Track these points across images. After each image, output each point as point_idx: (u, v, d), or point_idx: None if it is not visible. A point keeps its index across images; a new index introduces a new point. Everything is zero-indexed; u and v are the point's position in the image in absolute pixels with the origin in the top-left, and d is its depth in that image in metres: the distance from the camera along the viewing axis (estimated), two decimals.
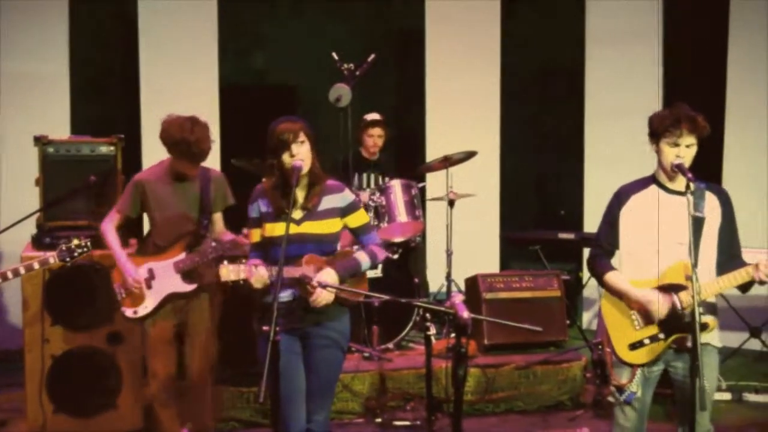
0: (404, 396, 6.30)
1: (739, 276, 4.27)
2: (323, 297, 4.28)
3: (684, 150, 4.31)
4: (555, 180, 9.52)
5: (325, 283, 4.23)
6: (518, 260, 8.62)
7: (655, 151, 4.43)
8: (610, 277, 4.45)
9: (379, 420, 6.18)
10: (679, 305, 4.29)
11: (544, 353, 6.72)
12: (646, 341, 4.37)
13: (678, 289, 4.30)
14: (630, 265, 4.45)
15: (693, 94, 8.07)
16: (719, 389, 6.64)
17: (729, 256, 4.37)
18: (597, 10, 8.74)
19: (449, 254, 7.19)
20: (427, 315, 4.04)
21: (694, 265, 4.12)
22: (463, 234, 7.57)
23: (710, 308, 4.36)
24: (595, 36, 8.78)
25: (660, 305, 4.30)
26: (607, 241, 4.50)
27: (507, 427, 6.23)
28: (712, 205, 4.37)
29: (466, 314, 3.69)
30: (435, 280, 7.82)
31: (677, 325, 4.29)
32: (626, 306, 4.43)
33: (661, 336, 4.34)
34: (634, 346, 4.38)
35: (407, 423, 6.11)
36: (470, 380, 6.28)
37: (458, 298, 3.80)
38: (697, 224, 4.26)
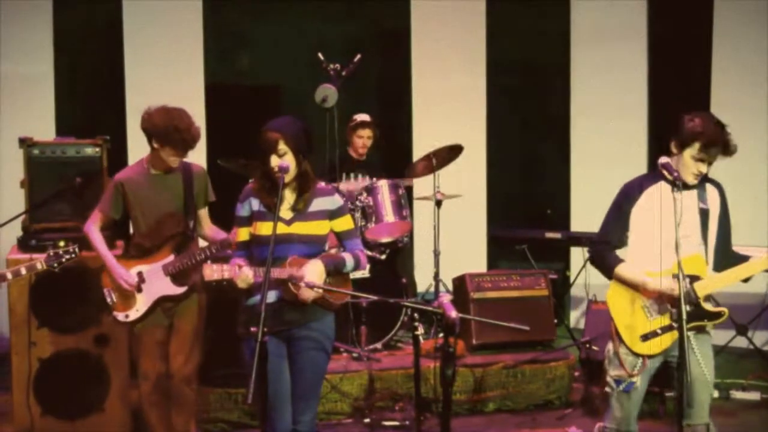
0: (393, 396, 6.29)
1: (759, 265, 4.40)
2: (309, 293, 4.28)
3: (705, 166, 4.41)
4: (541, 179, 9.54)
5: (313, 284, 4.23)
6: (505, 260, 8.63)
7: (672, 150, 4.45)
8: (622, 269, 4.50)
9: (367, 420, 6.17)
10: (693, 295, 4.39)
11: (532, 352, 6.72)
12: (659, 331, 4.45)
13: (693, 280, 4.40)
14: (641, 258, 4.50)
15: (678, 92, 8.15)
16: None
17: (725, 247, 4.49)
18: (582, 8, 8.76)
19: (437, 254, 7.18)
20: (416, 315, 4.05)
21: (680, 263, 4.24)
22: (451, 234, 7.57)
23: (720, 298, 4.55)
24: (580, 34, 8.80)
25: (675, 291, 4.33)
26: (615, 236, 4.55)
27: (496, 427, 6.23)
28: (712, 197, 4.50)
29: (454, 314, 3.69)
30: (423, 280, 7.82)
31: (691, 315, 4.35)
32: (637, 297, 4.49)
33: (675, 325, 4.37)
34: (647, 336, 4.46)
35: (396, 423, 6.10)
36: (459, 380, 6.28)
37: (446, 298, 3.80)
38: (704, 216, 4.42)
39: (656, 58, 8.42)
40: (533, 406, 6.50)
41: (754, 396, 6.64)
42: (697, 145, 4.35)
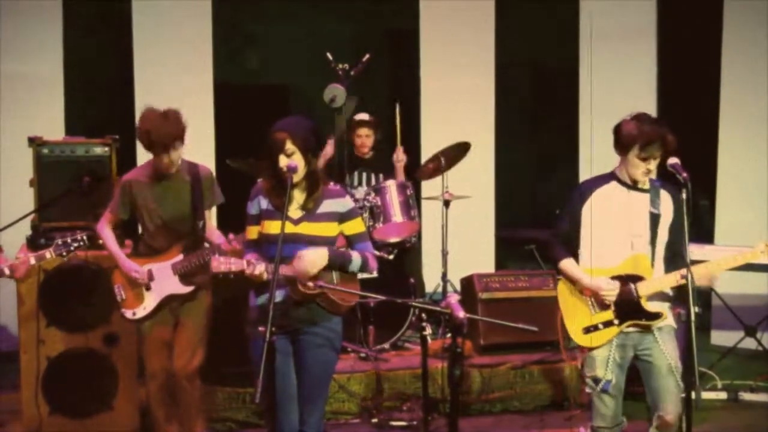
0: (400, 396, 6.29)
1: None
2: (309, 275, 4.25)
3: (652, 163, 4.57)
4: (550, 179, 9.52)
5: (322, 284, 4.22)
6: (514, 260, 8.62)
7: (619, 155, 4.67)
8: (565, 264, 4.74)
9: (375, 420, 6.17)
10: (635, 294, 4.58)
11: (540, 353, 6.70)
12: (600, 326, 4.64)
13: (636, 280, 4.60)
14: (588, 255, 4.69)
15: (688, 93, 8.13)
16: (714, 389, 6.68)
17: (673, 253, 4.62)
18: (591, 9, 8.73)
19: (445, 254, 7.19)
20: (423, 315, 4.04)
21: (688, 265, 4.41)
22: (459, 234, 7.57)
23: (664, 297, 4.66)
24: (589, 34, 8.77)
25: (615, 293, 4.58)
26: (564, 232, 4.77)
27: (503, 427, 6.23)
28: (665, 203, 4.64)
29: (461, 314, 3.70)
30: (431, 280, 7.81)
31: (631, 313, 4.60)
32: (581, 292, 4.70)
33: (616, 322, 4.62)
34: (588, 330, 4.67)
35: (403, 423, 6.10)
36: (466, 380, 6.29)
37: (454, 298, 3.81)
38: (654, 220, 4.58)
39: (665, 58, 8.39)
40: (541, 407, 6.48)
41: (762, 397, 6.62)
42: (636, 147, 4.52)
